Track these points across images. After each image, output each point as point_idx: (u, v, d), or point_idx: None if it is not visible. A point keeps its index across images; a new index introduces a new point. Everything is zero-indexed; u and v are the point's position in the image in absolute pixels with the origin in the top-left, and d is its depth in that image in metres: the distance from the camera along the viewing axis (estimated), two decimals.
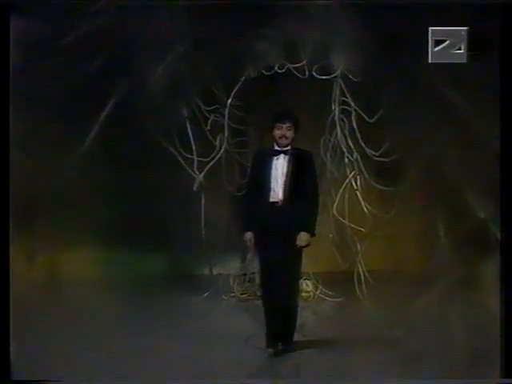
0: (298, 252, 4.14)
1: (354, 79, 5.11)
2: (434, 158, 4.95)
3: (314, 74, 5.18)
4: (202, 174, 5.35)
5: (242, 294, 5.46)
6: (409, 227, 5.80)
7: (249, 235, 4.17)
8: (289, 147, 4.15)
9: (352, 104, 5.24)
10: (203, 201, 5.42)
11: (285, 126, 4.08)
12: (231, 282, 5.49)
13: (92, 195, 5.18)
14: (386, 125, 5.10)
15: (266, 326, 4.06)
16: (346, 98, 5.25)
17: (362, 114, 5.21)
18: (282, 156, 4.09)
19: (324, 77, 5.19)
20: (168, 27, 4.38)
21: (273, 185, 4.08)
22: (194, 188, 5.34)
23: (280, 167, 4.10)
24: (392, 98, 4.86)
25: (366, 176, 5.33)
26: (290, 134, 4.10)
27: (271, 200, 4.07)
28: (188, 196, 5.41)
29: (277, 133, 4.11)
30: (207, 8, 4.28)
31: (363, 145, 5.25)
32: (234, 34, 4.54)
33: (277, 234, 3.99)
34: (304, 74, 5.21)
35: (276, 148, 4.15)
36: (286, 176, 4.08)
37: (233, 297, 5.43)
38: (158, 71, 4.73)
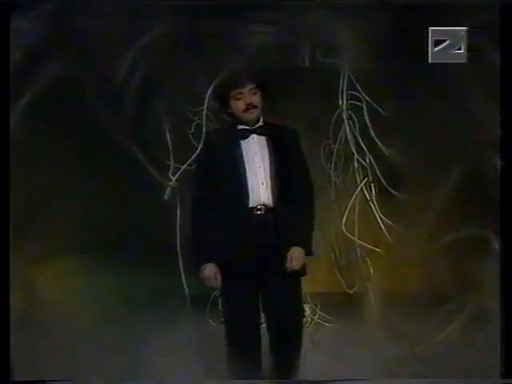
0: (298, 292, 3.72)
1: (364, 68, 5.25)
2: (470, 158, 5.12)
3: (317, 56, 5.41)
4: (174, 180, 5.78)
5: None
6: (438, 246, 5.77)
7: (211, 269, 3.74)
8: (260, 122, 3.73)
9: (363, 96, 5.58)
10: (179, 213, 5.78)
11: (246, 89, 3.67)
12: (220, 307, 5.88)
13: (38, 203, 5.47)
14: (407, 118, 5.32)
15: None
16: (356, 90, 5.60)
17: (376, 106, 5.53)
18: (254, 137, 3.72)
19: (329, 60, 5.43)
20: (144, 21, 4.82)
21: (250, 182, 3.70)
22: (165, 197, 5.76)
23: (253, 153, 3.72)
24: (413, 84, 5.06)
25: (383, 183, 5.64)
26: (256, 99, 3.68)
27: (250, 205, 3.70)
28: (162, 207, 5.80)
29: (239, 104, 3.65)
30: None
31: (380, 144, 5.58)
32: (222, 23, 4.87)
33: (263, 260, 3.70)
34: (304, 63, 5.53)
35: (242, 127, 3.69)
36: (269, 165, 3.69)
37: (222, 322, 5.58)
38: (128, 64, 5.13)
